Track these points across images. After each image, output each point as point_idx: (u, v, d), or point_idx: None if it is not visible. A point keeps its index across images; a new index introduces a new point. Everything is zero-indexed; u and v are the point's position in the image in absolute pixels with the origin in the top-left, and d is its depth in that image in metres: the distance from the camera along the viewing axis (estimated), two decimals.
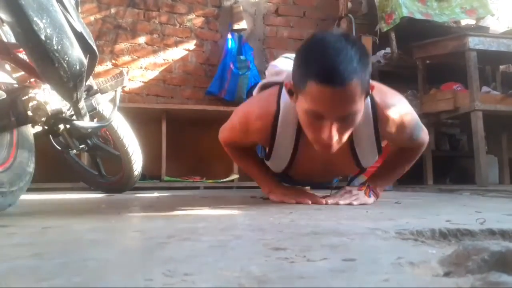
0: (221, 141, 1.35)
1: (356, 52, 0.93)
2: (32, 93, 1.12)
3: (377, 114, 1.10)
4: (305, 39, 1.05)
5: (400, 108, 1.13)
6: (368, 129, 1.12)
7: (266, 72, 1.37)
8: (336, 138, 0.97)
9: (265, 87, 1.28)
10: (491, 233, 0.60)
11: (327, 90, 0.91)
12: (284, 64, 1.29)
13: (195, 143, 3.01)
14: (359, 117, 0.99)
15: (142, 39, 3.08)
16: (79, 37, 0.94)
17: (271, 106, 1.13)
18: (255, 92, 1.37)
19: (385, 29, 2.86)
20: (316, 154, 1.10)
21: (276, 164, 1.24)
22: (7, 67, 1.14)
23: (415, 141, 1.22)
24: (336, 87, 0.90)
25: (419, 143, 1.24)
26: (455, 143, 3.46)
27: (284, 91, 1.11)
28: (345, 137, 1.01)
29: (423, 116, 2.92)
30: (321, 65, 0.92)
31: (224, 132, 1.33)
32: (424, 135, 1.23)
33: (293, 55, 1.28)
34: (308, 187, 2.21)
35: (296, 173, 1.29)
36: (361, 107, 0.98)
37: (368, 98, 1.05)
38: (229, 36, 3.08)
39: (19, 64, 1.04)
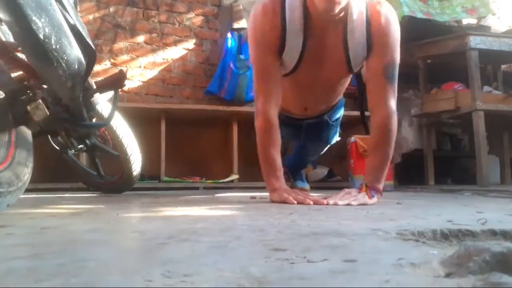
0: (257, 106, 1.36)
1: None
2: (30, 92, 1.12)
3: (369, 11, 1.29)
4: None
5: (390, 12, 1.32)
6: (360, 26, 1.29)
7: None
8: None
9: None
10: (493, 233, 0.60)
11: None
12: None
13: (194, 143, 3.01)
14: None
15: (141, 38, 3.07)
16: (78, 36, 0.94)
17: (276, 7, 1.29)
18: None
19: None
20: (318, 52, 1.33)
21: (288, 59, 1.36)
22: (6, 66, 1.14)
23: (388, 81, 1.31)
24: None
25: (388, 107, 1.31)
26: (456, 143, 3.46)
27: None
28: None
29: (424, 116, 2.93)
30: None
31: (255, 86, 1.39)
32: (394, 101, 1.33)
33: None
34: (308, 188, 2.21)
35: (302, 76, 1.42)
36: None
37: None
38: (229, 35, 3.08)
39: (17, 63, 1.04)
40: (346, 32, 1.31)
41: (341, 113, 1.89)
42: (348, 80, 1.62)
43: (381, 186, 1.29)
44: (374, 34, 1.31)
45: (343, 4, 1.22)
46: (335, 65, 1.40)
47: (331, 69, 1.42)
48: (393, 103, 1.33)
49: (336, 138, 1.98)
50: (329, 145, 2.00)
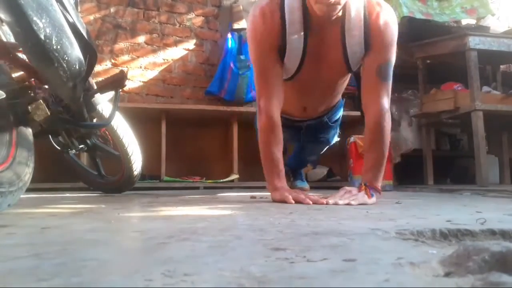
0: (260, 107, 1.36)
1: None
2: (31, 93, 1.12)
3: (367, 10, 1.30)
4: None
5: (388, 11, 1.33)
6: (358, 26, 1.30)
7: None
8: None
9: None
10: (492, 233, 0.60)
11: None
12: None
13: (195, 143, 3.01)
14: None
15: (141, 39, 3.08)
16: (79, 36, 0.94)
17: (275, 13, 1.30)
18: None
19: None
20: (319, 53, 1.34)
21: (290, 63, 1.36)
22: (7, 67, 1.14)
23: (381, 80, 1.31)
24: None
25: (381, 106, 1.31)
26: (455, 143, 3.46)
27: None
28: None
29: (424, 116, 2.93)
30: None
31: (257, 86, 1.39)
32: (387, 100, 1.33)
33: None
34: (307, 188, 2.21)
35: (302, 78, 1.43)
36: None
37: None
38: (229, 35, 3.08)
39: (18, 63, 1.04)
40: (344, 31, 1.32)
41: (340, 113, 1.89)
42: (346, 80, 1.63)
43: (379, 185, 1.29)
44: (372, 33, 1.31)
45: (342, 4, 1.24)
46: (334, 64, 1.40)
47: (330, 68, 1.42)
48: (386, 102, 1.33)
49: (336, 139, 1.99)
50: (328, 146, 2.00)
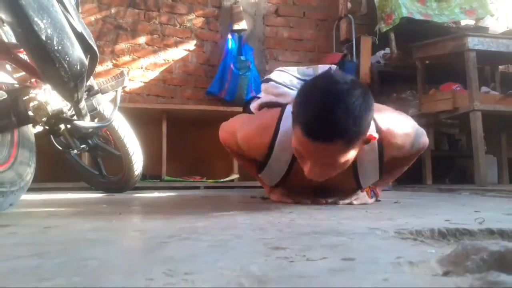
0: (221, 140, 1.35)
1: (357, 106, 0.89)
2: (33, 93, 1.12)
3: (382, 141, 1.08)
4: (314, 77, 1.04)
5: (404, 130, 1.13)
6: (373, 154, 1.11)
7: (263, 87, 1.32)
8: (321, 175, 0.98)
9: (267, 105, 1.27)
10: (490, 232, 0.60)
11: (309, 142, 0.90)
12: (281, 78, 1.27)
13: (195, 143, 3.01)
14: (348, 163, 0.97)
15: (142, 39, 3.08)
16: (80, 37, 0.94)
17: (268, 134, 1.13)
18: (254, 107, 1.34)
19: (384, 30, 2.86)
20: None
21: (268, 179, 1.24)
22: (8, 67, 1.15)
23: (416, 148, 1.22)
24: (318, 142, 0.89)
25: (419, 149, 1.24)
26: (454, 143, 3.46)
27: (285, 116, 1.11)
28: (334, 173, 1.00)
29: (422, 116, 2.93)
30: (309, 116, 0.90)
31: (223, 133, 1.33)
32: (424, 139, 1.23)
33: (287, 69, 1.31)
34: None
35: (290, 187, 1.25)
36: (351, 155, 0.95)
37: (373, 125, 1.03)
38: (229, 36, 3.08)
39: (19, 64, 1.05)
40: (355, 164, 1.11)
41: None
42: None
43: (380, 192, 1.31)
44: (388, 159, 1.16)
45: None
46: (338, 187, 1.22)
47: (334, 187, 1.23)
48: (424, 139, 1.23)
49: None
50: None
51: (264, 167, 1.18)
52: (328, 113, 0.88)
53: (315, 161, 0.95)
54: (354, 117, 0.88)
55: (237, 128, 1.24)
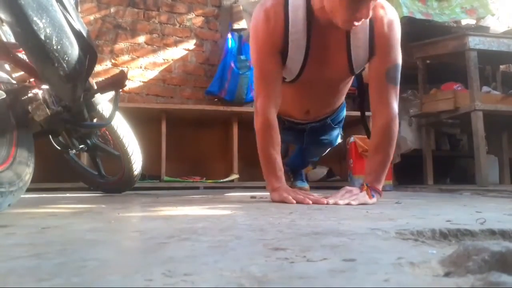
0: (257, 108, 1.36)
1: None
2: (31, 93, 1.12)
3: (374, 14, 1.26)
4: None
5: (393, 15, 1.33)
6: (364, 30, 1.29)
7: None
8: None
9: None
10: (492, 233, 0.60)
11: None
12: None
13: (195, 143, 3.01)
14: None
15: (141, 39, 3.08)
16: (79, 36, 0.94)
17: (279, 15, 1.28)
18: None
19: None
20: (322, 55, 1.33)
21: (291, 67, 1.36)
22: (7, 67, 1.14)
23: (391, 84, 1.32)
24: None
25: (391, 110, 1.31)
26: (455, 143, 3.46)
27: None
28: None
29: (423, 116, 2.93)
30: None
31: (255, 87, 1.38)
32: (396, 104, 1.34)
33: None
34: (307, 187, 2.21)
35: (304, 80, 1.41)
36: None
37: None
38: (229, 35, 3.08)
39: (18, 64, 1.04)
40: (349, 34, 1.31)
41: (343, 115, 1.88)
42: (349, 83, 1.62)
43: (380, 186, 1.29)
44: (377, 37, 1.31)
45: None
46: (337, 67, 1.39)
47: (333, 71, 1.41)
48: (395, 106, 1.34)
49: (339, 140, 1.98)
50: (331, 147, 2.00)
51: (287, 52, 1.31)
52: None
53: None
54: None
55: (251, 39, 1.37)
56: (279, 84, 1.38)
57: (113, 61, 3.00)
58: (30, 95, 1.11)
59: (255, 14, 1.35)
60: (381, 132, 1.32)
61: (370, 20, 1.28)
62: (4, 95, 1.04)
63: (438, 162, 3.06)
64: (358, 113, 1.89)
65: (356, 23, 1.17)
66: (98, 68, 2.88)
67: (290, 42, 1.31)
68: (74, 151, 1.62)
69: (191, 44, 3.17)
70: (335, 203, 1.17)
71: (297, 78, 1.42)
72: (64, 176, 2.36)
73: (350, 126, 2.68)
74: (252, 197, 1.58)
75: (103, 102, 1.49)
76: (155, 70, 3.08)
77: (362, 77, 1.59)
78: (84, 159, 2.31)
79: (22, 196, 1.09)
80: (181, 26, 3.17)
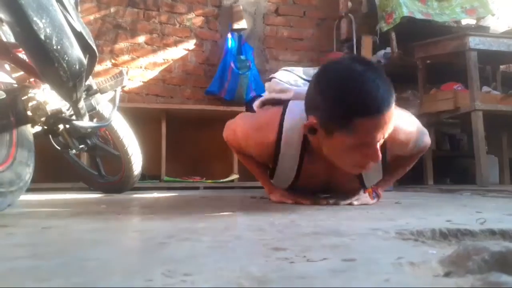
0: (224, 138, 1.33)
1: (377, 69, 0.94)
2: (31, 93, 1.12)
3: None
4: (323, 70, 0.99)
5: (406, 127, 1.12)
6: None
7: (266, 85, 1.31)
8: (378, 155, 0.96)
9: (269, 103, 1.26)
10: (492, 233, 0.60)
11: (376, 118, 0.89)
12: (285, 77, 1.25)
13: (195, 143, 3.01)
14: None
15: (141, 39, 3.08)
16: (79, 36, 0.94)
17: (272, 133, 1.10)
18: (256, 105, 1.34)
19: (385, 29, 2.86)
20: (319, 172, 1.12)
21: (281, 182, 1.22)
22: (7, 67, 1.14)
23: (418, 148, 1.23)
24: (385, 112, 0.90)
25: (421, 148, 1.25)
26: (455, 143, 3.46)
27: (288, 112, 1.10)
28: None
29: (423, 116, 2.93)
30: (360, 96, 0.89)
31: (227, 131, 1.31)
32: (427, 139, 1.24)
33: (293, 68, 1.29)
34: None
35: (299, 186, 1.22)
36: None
37: None
38: (229, 35, 3.08)
39: (18, 63, 1.04)
40: None
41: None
42: None
43: (382, 193, 1.30)
44: (391, 156, 1.16)
45: None
46: (343, 185, 1.22)
47: (338, 186, 1.23)
48: (427, 139, 1.24)
49: None
50: None
51: (274, 171, 1.16)
52: (373, 83, 0.89)
53: (382, 136, 0.93)
54: (389, 82, 0.93)
55: (238, 125, 1.23)
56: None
57: (113, 61, 3.00)
58: (30, 95, 1.11)
59: (246, 126, 1.20)
60: (415, 154, 1.26)
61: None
62: (4, 95, 1.04)
63: (438, 162, 3.05)
64: None
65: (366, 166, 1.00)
66: (98, 68, 2.88)
67: (278, 161, 1.14)
68: (74, 151, 1.61)
69: (191, 44, 3.17)
70: (336, 203, 1.17)
71: (293, 184, 1.21)
72: (64, 176, 2.36)
73: None
74: (252, 197, 1.58)
75: (103, 102, 1.49)
76: (155, 70, 3.08)
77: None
78: (84, 159, 2.31)
79: (22, 196, 1.09)
80: (181, 26, 3.17)
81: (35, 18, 0.80)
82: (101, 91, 1.41)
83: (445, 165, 3.26)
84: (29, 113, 1.12)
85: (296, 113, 1.08)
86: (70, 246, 0.54)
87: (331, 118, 0.93)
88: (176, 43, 3.14)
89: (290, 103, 1.13)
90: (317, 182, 1.19)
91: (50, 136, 1.52)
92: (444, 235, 0.60)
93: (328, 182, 1.19)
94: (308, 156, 1.10)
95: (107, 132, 1.76)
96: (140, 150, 1.85)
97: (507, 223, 0.69)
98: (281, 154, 1.12)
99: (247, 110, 1.49)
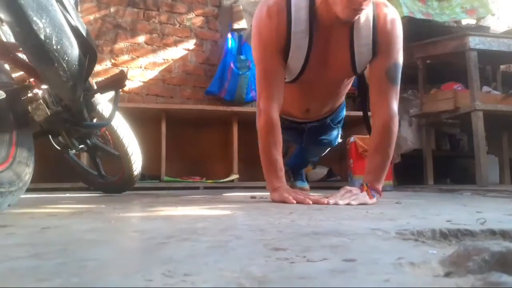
0: (260, 107, 1.36)
1: None
2: (31, 93, 1.12)
3: (376, 12, 1.30)
4: None
5: (395, 14, 1.34)
6: (367, 27, 1.30)
7: None
8: None
9: None
10: (492, 233, 0.60)
11: None
12: None
13: (195, 143, 3.01)
14: None
15: (141, 39, 3.08)
16: (79, 36, 0.94)
17: (282, 12, 1.28)
18: None
19: None
20: (326, 48, 1.33)
21: (292, 69, 1.37)
22: (7, 67, 1.14)
23: (391, 83, 1.33)
24: None
25: (391, 109, 1.31)
26: (455, 143, 3.46)
27: None
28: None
29: (424, 116, 2.93)
30: None
31: (258, 87, 1.39)
32: (396, 103, 1.35)
33: None
34: (307, 188, 2.21)
35: (306, 79, 1.41)
36: None
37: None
38: (229, 35, 3.08)
39: (18, 64, 1.04)
40: (352, 34, 1.32)
41: (343, 115, 1.88)
42: (351, 82, 1.62)
43: (380, 186, 1.29)
44: (380, 34, 1.31)
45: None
46: (339, 66, 1.39)
47: (335, 70, 1.41)
48: (395, 105, 1.34)
49: (339, 140, 1.98)
50: (331, 147, 2.00)
51: (288, 50, 1.31)
52: None
53: None
54: None
55: (254, 38, 1.36)
56: (282, 83, 1.38)
57: (113, 61, 3.00)
58: (30, 95, 1.11)
59: (258, 12, 1.34)
60: (381, 132, 1.32)
61: (374, 19, 1.30)
62: (4, 95, 1.04)
63: (438, 162, 3.06)
64: (358, 113, 1.89)
65: (357, 10, 1.17)
66: (98, 68, 2.88)
67: (292, 41, 1.31)
68: (73, 151, 1.61)
69: (191, 44, 3.17)
70: (335, 203, 1.17)
71: (297, 78, 1.42)
72: (64, 176, 2.36)
73: (350, 126, 2.68)
74: (252, 197, 1.58)
75: (103, 102, 1.49)
76: (155, 70, 3.08)
77: (364, 77, 1.59)
78: (84, 159, 2.31)
79: (22, 196, 1.09)
80: (181, 26, 3.17)
81: (35, 18, 0.80)
82: (101, 91, 1.41)
83: (445, 165, 3.26)
84: (29, 113, 1.12)
85: None
86: (70, 246, 0.54)
87: None
88: (176, 43, 3.14)
89: None
90: (319, 70, 1.38)
91: (50, 136, 1.52)
92: (444, 235, 0.60)
93: (325, 70, 1.39)
94: (316, 32, 1.30)
95: (107, 132, 1.76)
96: (140, 150, 1.85)
97: (507, 223, 0.69)
98: (292, 32, 1.29)
99: None
